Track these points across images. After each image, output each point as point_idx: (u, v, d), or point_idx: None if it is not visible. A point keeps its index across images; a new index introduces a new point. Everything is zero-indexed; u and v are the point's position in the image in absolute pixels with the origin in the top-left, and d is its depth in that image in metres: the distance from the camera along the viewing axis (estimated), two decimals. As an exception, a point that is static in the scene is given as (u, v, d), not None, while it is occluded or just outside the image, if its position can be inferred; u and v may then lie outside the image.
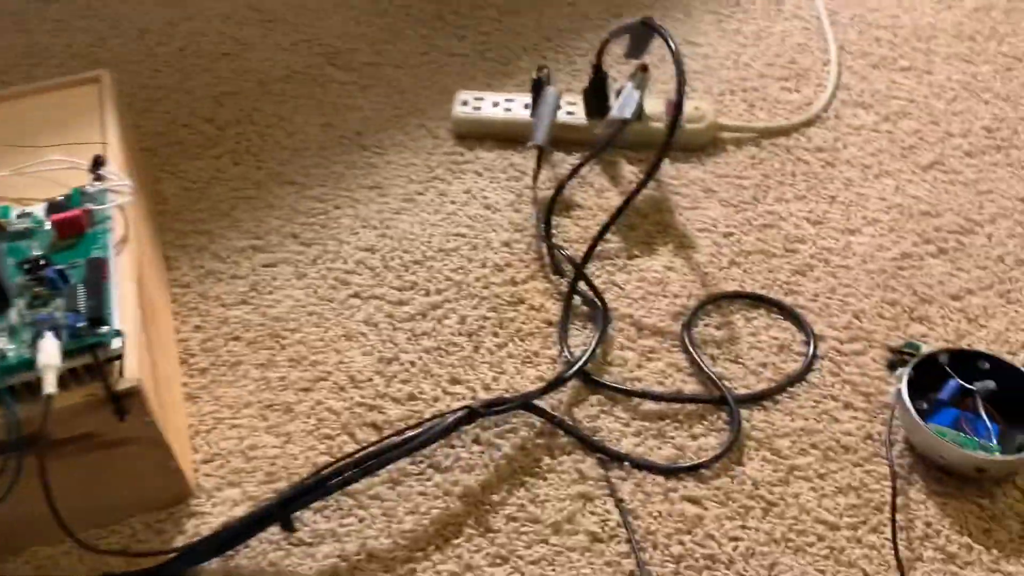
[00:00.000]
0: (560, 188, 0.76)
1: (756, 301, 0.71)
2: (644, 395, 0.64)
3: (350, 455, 0.58)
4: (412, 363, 0.67)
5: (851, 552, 0.55)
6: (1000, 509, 0.57)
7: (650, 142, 0.84)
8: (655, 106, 0.85)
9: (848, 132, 0.86)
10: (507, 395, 0.63)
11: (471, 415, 0.59)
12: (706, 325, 0.69)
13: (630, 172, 0.83)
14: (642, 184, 0.70)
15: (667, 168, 0.83)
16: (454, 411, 0.59)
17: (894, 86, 0.91)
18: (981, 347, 0.66)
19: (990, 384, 0.59)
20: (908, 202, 0.78)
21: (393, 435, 0.60)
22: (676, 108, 0.71)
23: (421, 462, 0.61)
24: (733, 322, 0.70)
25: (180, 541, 0.57)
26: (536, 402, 0.62)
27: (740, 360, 0.67)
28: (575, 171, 0.76)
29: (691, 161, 0.84)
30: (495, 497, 0.59)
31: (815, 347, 0.67)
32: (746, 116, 0.88)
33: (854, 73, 0.93)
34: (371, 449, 0.58)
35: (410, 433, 0.59)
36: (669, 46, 0.73)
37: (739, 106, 0.90)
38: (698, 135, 0.84)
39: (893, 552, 0.54)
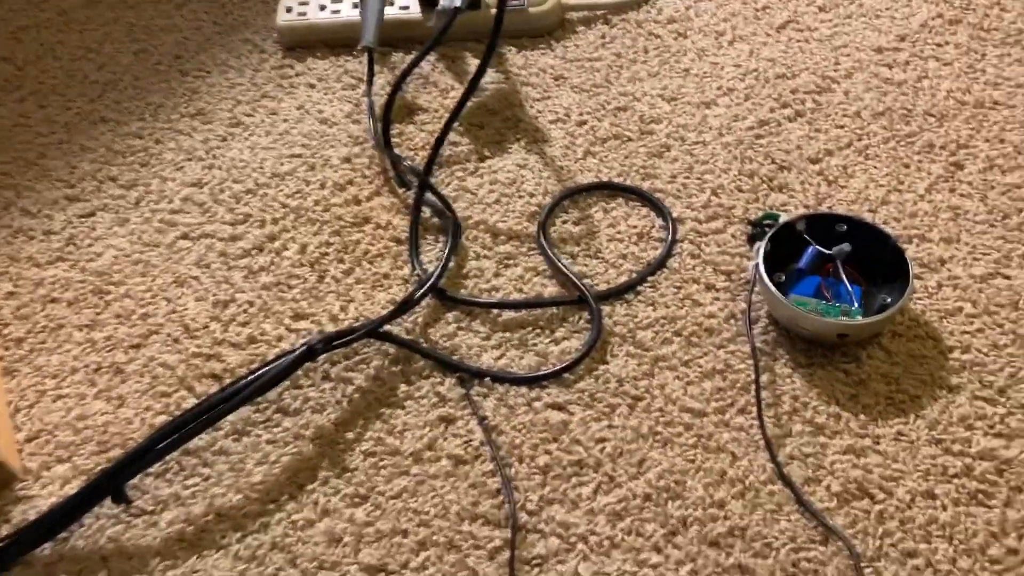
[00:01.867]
0: (394, 92, 0.70)
1: (613, 190, 0.67)
2: (501, 305, 0.60)
3: (187, 412, 0.54)
4: (250, 303, 0.62)
5: (719, 437, 0.53)
6: (866, 373, 0.56)
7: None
8: (495, -9, 0.79)
9: (700, -1, 0.82)
10: (357, 324, 0.59)
11: (310, 352, 0.54)
12: (564, 222, 0.66)
13: (477, 66, 0.77)
14: (474, 82, 0.65)
15: (515, 58, 0.78)
16: (290, 351, 0.55)
17: (745, -56, 0.86)
18: (842, 208, 0.65)
19: (846, 247, 0.57)
20: (763, 66, 0.75)
21: (233, 384, 0.55)
22: (501, 3, 0.65)
23: (267, 408, 0.56)
24: (591, 216, 0.66)
25: (5, 531, 0.52)
26: (385, 328, 0.58)
27: (600, 255, 0.63)
28: (407, 72, 0.70)
29: (539, 48, 0.78)
30: (350, 434, 0.55)
31: (674, 231, 0.64)
32: (593, -7, 0.83)
33: (703, -65, 0.88)
34: (207, 402, 0.54)
35: (247, 380, 0.54)
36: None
37: (586, -17, 0.84)
38: (543, 17, 0.78)
39: (760, 431, 0.53)
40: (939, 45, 0.75)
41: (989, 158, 0.67)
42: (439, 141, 0.65)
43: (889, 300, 0.55)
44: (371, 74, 0.74)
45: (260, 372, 0.54)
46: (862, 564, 0.48)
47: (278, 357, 0.56)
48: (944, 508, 0.50)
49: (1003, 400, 0.54)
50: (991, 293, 0.59)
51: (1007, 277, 0.60)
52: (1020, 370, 0.55)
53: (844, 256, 0.57)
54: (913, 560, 0.48)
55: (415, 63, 0.70)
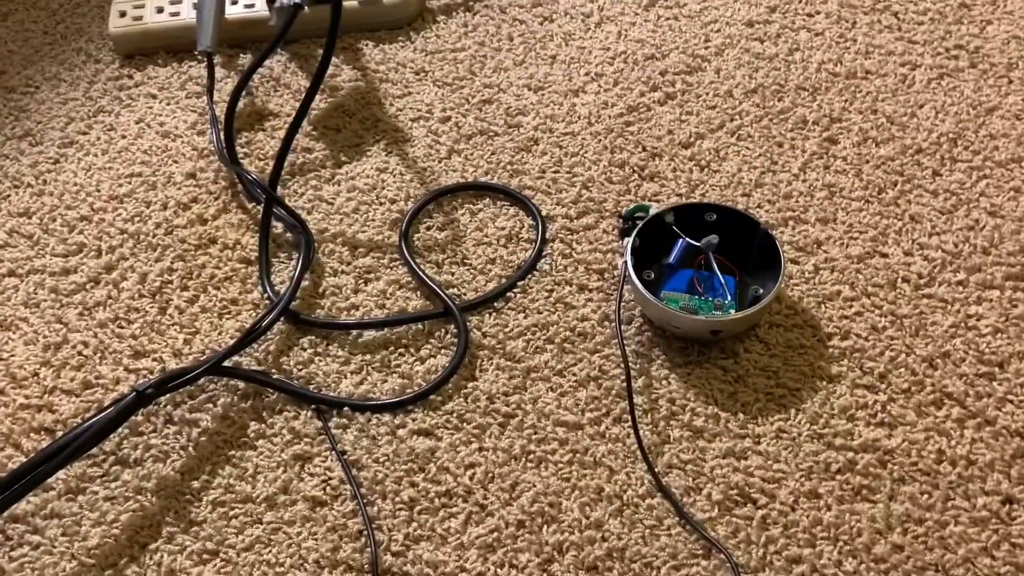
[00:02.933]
0: (234, 100, 0.64)
1: (479, 190, 0.63)
2: (360, 325, 0.56)
3: (11, 472, 0.48)
4: (85, 344, 0.56)
5: (595, 450, 0.50)
6: (744, 368, 0.53)
7: (350, 25, 0.74)
8: (347, -17, 0.73)
9: (566, -21, 0.78)
10: (202, 359, 0.54)
11: (139, 400, 0.49)
12: (428, 228, 0.62)
13: (332, 65, 0.72)
14: (313, 86, 0.60)
15: (372, 53, 0.73)
16: (118, 399, 0.50)
17: (611, -80, 0.83)
18: (715, 194, 0.62)
19: (713, 239, 0.54)
20: (632, 48, 0.72)
21: (64, 437, 0.50)
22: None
23: (104, 461, 0.51)
24: (457, 219, 0.62)
25: None
26: (233, 361, 0.53)
27: (467, 261, 0.59)
28: (247, 77, 0.64)
29: (399, 41, 0.74)
30: (196, 483, 0.50)
31: (544, 231, 0.60)
32: (455, -21, 0.78)
33: (568, -88, 0.84)
34: (34, 460, 0.48)
35: (74, 433, 0.49)
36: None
37: (447, -32, 0.79)
38: (400, 9, 0.73)
39: (636, 440, 0.50)
40: (810, 15, 0.73)
41: (863, 131, 0.65)
42: (283, 150, 0.60)
43: (761, 291, 0.53)
44: (212, 81, 0.68)
45: (87, 424, 0.49)
46: (745, 574, 0.45)
47: (113, 404, 0.51)
48: (828, 508, 0.48)
49: (884, 386, 0.52)
50: (869, 273, 0.57)
51: (884, 255, 0.58)
52: (900, 353, 0.53)
53: (713, 248, 0.54)
54: (798, 567, 0.46)
55: (254, 67, 0.64)
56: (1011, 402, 0.51)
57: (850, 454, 0.49)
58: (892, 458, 0.49)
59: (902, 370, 0.52)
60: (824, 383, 0.52)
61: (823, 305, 0.56)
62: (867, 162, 0.63)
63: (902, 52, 0.70)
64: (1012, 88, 0.66)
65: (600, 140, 0.66)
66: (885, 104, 0.66)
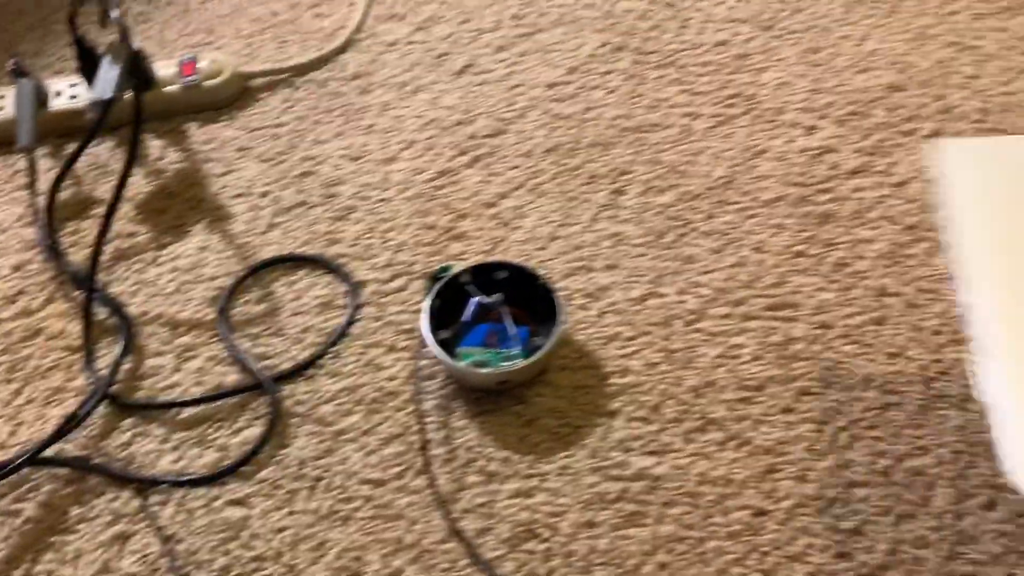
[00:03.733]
0: (54, 192, 0.67)
1: (295, 262, 0.67)
2: (177, 404, 0.59)
3: None
4: (-92, 445, 0.58)
5: (397, 504, 0.55)
6: (535, 411, 0.59)
7: (173, 109, 0.77)
8: (168, 68, 0.77)
9: (383, 51, 0.83)
10: (22, 452, 0.57)
11: (-49, 499, 0.52)
12: (246, 302, 0.65)
13: (157, 148, 0.76)
14: (125, 174, 0.63)
15: (196, 134, 0.77)
16: (-69, 500, 0.52)
17: (426, -10, 0.89)
18: (515, 248, 0.67)
19: (499, 297, 0.60)
20: (443, 114, 0.77)
21: None
22: (137, 89, 0.64)
23: (-74, 560, 0.53)
24: (273, 291, 0.66)
25: None
26: (50, 450, 0.56)
27: (283, 332, 0.64)
28: (64, 171, 0.67)
29: (221, 120, 0.78)
30: (18, 572, 0.53)
31: (356, 296, 0.65)
32: (277, 56, 0.83)
33: (386, -16, 0.89)
34: None
35: None
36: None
37: (270, 46, 0.84)
38: (220, 90, 0.78)
39: (432, 490, 0.55)
40: (604, 74, 0.80)
41: (646, 181, 0.71)
42: (100, 238, 0.63)
43: (543, 340, 0.58)
44: (33, 176, 0.71)
45: (-97, 528, 0.51)
46: (528, 606, 0.50)
47: (-66, 503, 0.53)
48: (603, 535, 0.53)
49: (656, 417, 0.58)
50: (647, 314, 0.63)
51: (661, 295, 0.64)
52: (670, 385, 0.59)
53: (498, 305, 0.60)
54: (575, 592, 0.51)
55: (71, 162, 0.67)
56: (766, 422, 0.57)
57: (624, 483, 0.55)
58: (661, 484, 0.55)
59: (671, 401, 0.58)
60: (604, 419, 0.58)
61: (606, 346, 0.62)
62: (648, 210, 0.69)
63: (685, 103, 0.77)
64: (779, 132, 0.74)
65: (412, 205, 0.71)
66: (667, 154, 0.73)
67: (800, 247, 0.66)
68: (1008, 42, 0.79)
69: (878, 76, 0.77)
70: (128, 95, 0.69)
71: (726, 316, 0.62)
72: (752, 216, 0.68)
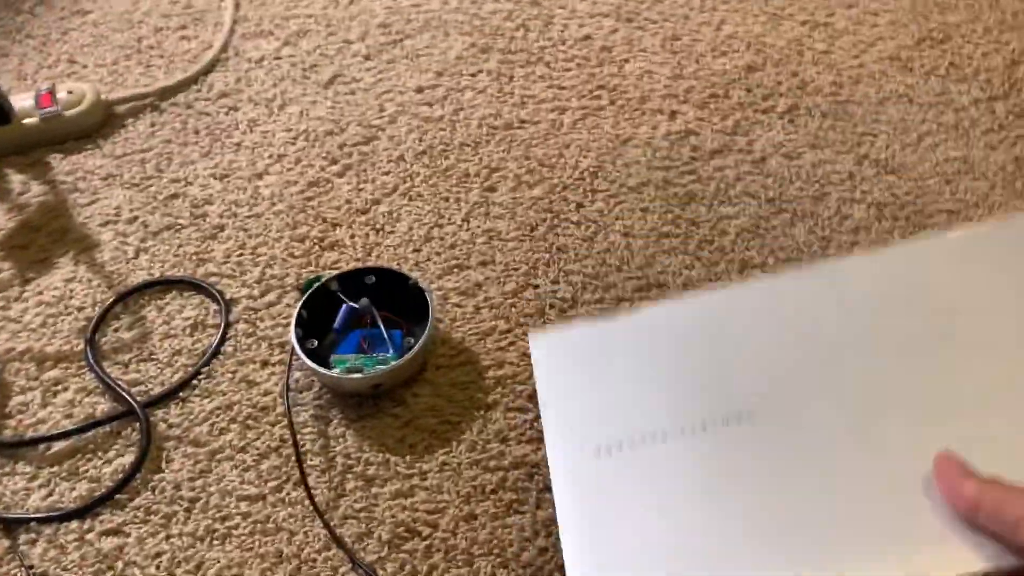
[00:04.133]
0: (-98, 237, 0.65)
1: (164, 285, 0.66)
2: (44, 439, 0.58)
3: None
4: None
5: (276, 517, 0.54)
6: (413, 412, 0.59)
7: (33, 141, 0.75)
8: (26, 100, 0.75)
9: (250, 68, 0.82)
10: None
11: None
12: (115, 330, 0.64)
13: (19, 183, 0.74)
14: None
15: (60, 165, 0.75)
16: None
17: (293, 5, 0.88)
18: (389, 253, 0.67)
19: (365, 301, 0.60)
20: (313, 126, 0.77)
21: None
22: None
23: None
24: (143, 317, 0.65)
25: None
26: (-89, 498, 0.54)
27: (154, 356, 0.62)
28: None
29: (86, 149, 0.76)
30: None
31: (227, 314, 0.64)
32: (143, 80, 0.81)
33: (252, 1, 0.89)
34: None
35: None
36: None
37: (136, 71, 0.82)
38: (83, 119, 0.76)
39: (309, 499, 0.54)
40: (473, 75, 0.81)
41: (517, 176, 0.72)
42: (-47, 281, 0.61)
43: (414, 341, 0.59)
44: None
45: None
46: (411, 605, 0.50)
47: None
48: (483, 526, 0.53)
49: (532, 406, 0.58)
50: (521, 306, 0.64)
51: (535, 287, 0.65)
52: (546, 374, 0.60)
53: (368, 310, 0.60)
54: (457, 586, 0.51)
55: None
56: (639, 400, 0.58)
57: (503, 473, 0.55)
58: (538, 470, 0.55)
59: (547, 389, 0.59)
60: (482, 412, 0.58)
61: (482, 341, 0.62)
62: (521, 204, 0.70)
63: (552, 99, 0.78)
64: (644, 119, 0.76)
65: (282, 218, 0.70)
66: (537, 149, 0.74)
67: (666, 228, 0.67)
68: (857, 17, 0.83)
69: (736, 58, 0.80)
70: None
71: (599, 300, 0.63)
72: (620, 203, 0.70)
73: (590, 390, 0.54)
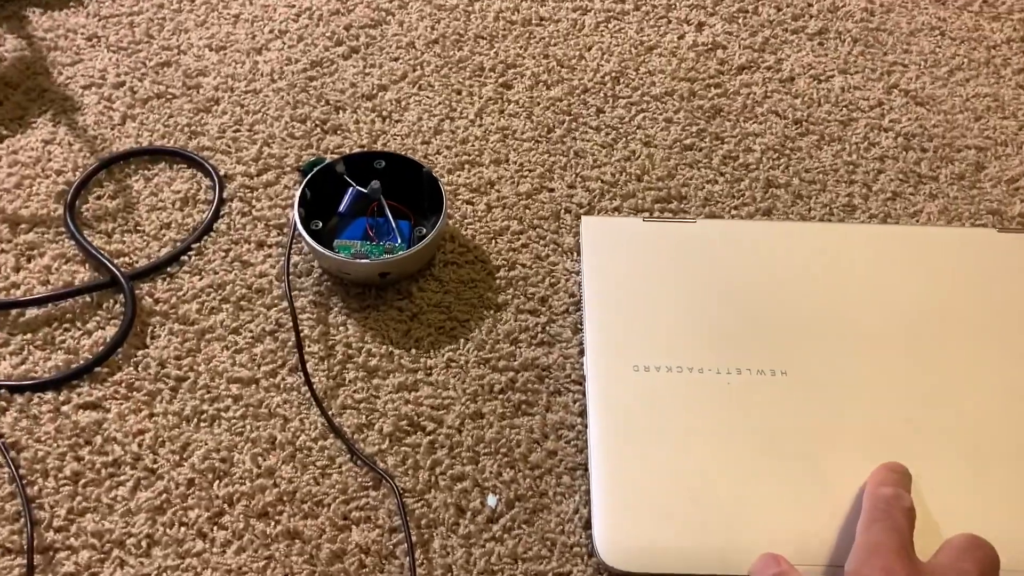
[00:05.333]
0: None
1: (153, 155, 0.62)
2: (18, 304, 0.53)
3: None
4: None
5: (270, 402, 0.51)
6: (419, 307, 0.55)
7: (10, -8, 0.69)
8: (3, -54, 0.69)
9: (251, -63, 0.76)
10: None
11: None
12: (98, 198, 0.59)
13: (-7, 34, 0.68)
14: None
15: (40, 21, 0.69)
16: None
17: None
18: (396, 142, 0.64)
19: (375, 184, 0.56)
20: (317, 3, 0.72)
21: None
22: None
23: None
24: (130, 186, 0.60)
25: None
26: None
27: (140, 228, 0.58)
28: None
29: (69, 7, 0.70)
30: None
31: (220, 190, 0.60)
32: (132, -61, 0.75)
33: None
34: None
35: None
36: None
37: (124, -72, 0.76)
38: (66, -28, 0.70)
39: (307, 385, 0.51)
40: (490, -33, 0.76)
41: (535, 75, 0.68)
42: (-79, 127, 0.56)
43: (426, 231, 0.55)
44: None
45: None
46: (412, 498, 0.48)
47: None
48: (490, 425, 0.51)
49: (544, 309, 0.56)
50: (536, 208, 0.60)
51: (551, 190, 0.61)
52: (560, 279, 0.57)
53: (379, 193, 0.56)
54: (461, 483, 0.49)
55: None
56: (656, 311, 0.56)
57: (512, 374, 0.53)
58: (549, 373, 0.53)
59: (561, 293, 0.56)
60: (491, 312, 0.55)
61: (494, 240, 0.59)
62: (538, 104, 0.66)
63: (574, -2, 0.74)
64: (670, 28, 0.72)
65: (283, 96, 0.65)
66: (556, 48, 0.70)
67: (689, 140, 0.64)
68: (891, -54, 0.80)
69: (766, -25, 0.76)
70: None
71: (616, 209, 0.61)
72: (642, 111, 0.66)
73: (635, 293, 0.54)
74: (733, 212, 0.60)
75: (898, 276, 0.56)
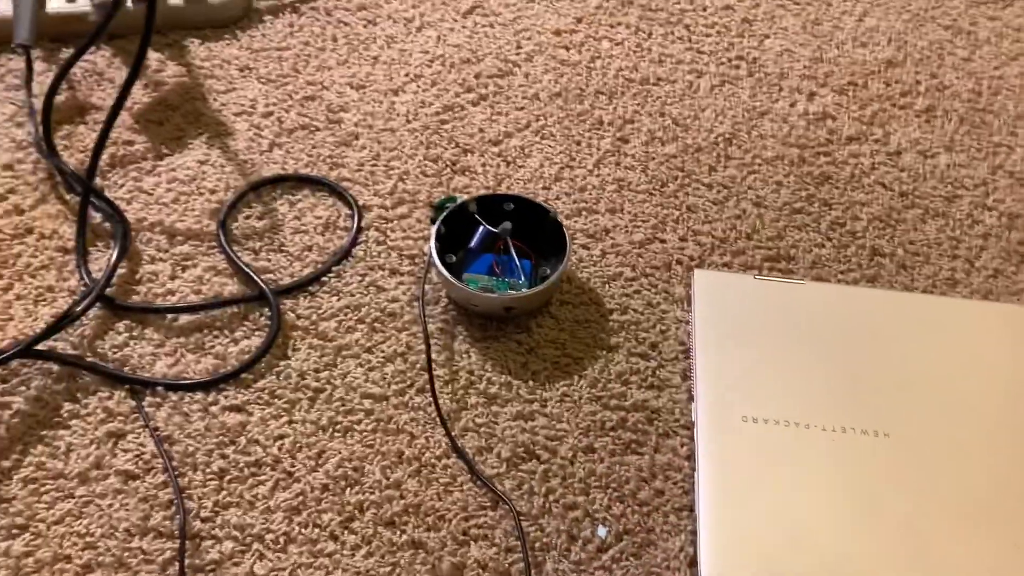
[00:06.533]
0: (52, 93, 0.65)
1: (298, 182, 0.67)
2: (175, 309, 0.58)
3: None
4: None
5: (398, 419, 0.55)
6: (536, 341, 0.59)
7: (174, 23, 0.75)
8: (172, -19, 0.75)
9: (390, -15, 0.82)
10: (15, 344, 0.55)
11: (-57, 381, 0.50)
12: (247, 218, 0.64)
13: (157, 60, 0.74)
14: (130, 79, 0.61)
15: (197, 50, 0.75)
16: (-79, 381, 0.51)
17: (436, -69, 0.88)
18: (518, 187, 0.68)
19: (507, 225, 0.60)
20: (449, 52, 0.77)
21: None
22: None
23: (-92, 446, 0.52)
24: (276, 209, 0.65)
25: None
26: (47, 345, 0.55)
27: (285, 248, 0.63)
28: (63, 72, 0.65)
29: (224, 39, 0.76)
30: (7, 462, 0.51)
31: (359, 219, 0.64)
32: (283, -19, 0.81)
33: (395, -79, 0.88)
34: None
35: None
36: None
37: (276, -30, 0.82)
38: (226, 8, 0.76)
39: (435, 406, 0.55)
40: (612, 26, 0.80)
41: (651, 131, 0.72)
42: (100, 141, 0.61)
43: (549, 272, 0.59)
44: (30, 74, 0.69)
45: None
46: (526, 522, 0.51)
47: (-82, 389, 0.52)
48: (601, 460, 0.54)
49: (655, 354, 0.59)
50: (648, 257, 0.64)
51: (663, 241, 0.65)
52: (670, 326, 0.60)
53: (508, 233, 0.60)
54: (573, 512, 0.52)
55: (73, 60, 0.65)
56: (761, 365, 0.59)
57: (623, 413, 0.56)
58: (658, 416, 0.56)
59: (671, 340, 0.59)
60: (604, 352, 0.59)
61: (607, 285, 0.62)
62: (653, 159, 0.70)
63: (690, 61, 0.78)
64: (782, 95, 0.75)
65: (416, 136, 0.70)
66: (672, 107, 0.74)
67: (799, 204, 0.67)
68: (1000, 30, 0.82)
69: (877, 51, 0.79)
70: (134, 2, 0.67)
71: (726, 264, 0.64)
72: (753, 172, 0.70)
73: (745, 347, 0.57)
74: (840, 276, 0.63)
75: (999, 351, 0.58)
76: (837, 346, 0.57)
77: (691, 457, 0.54)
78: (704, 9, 0.82)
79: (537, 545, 0.50)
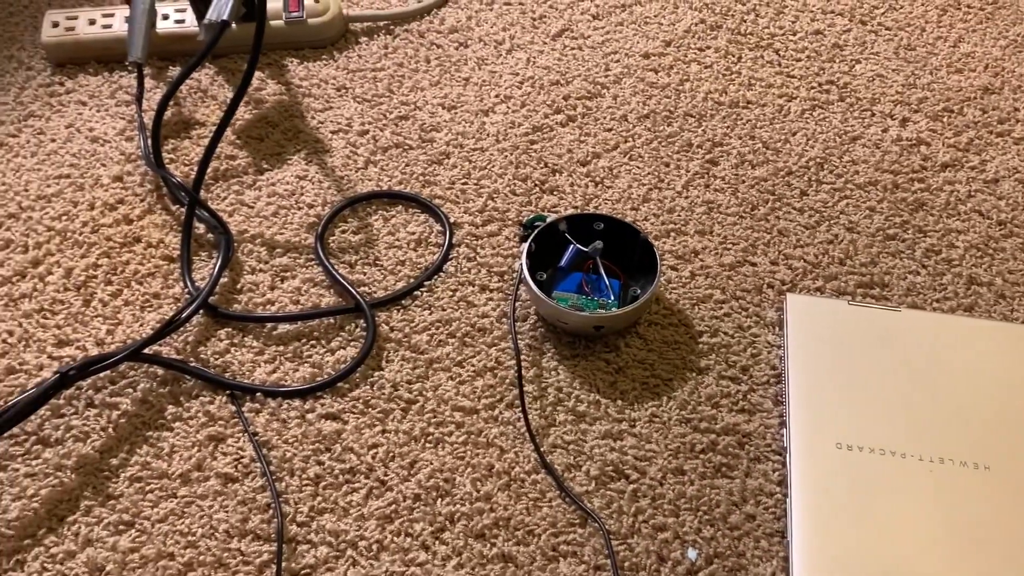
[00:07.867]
0: (162, 108, 0.68)
1: (392, 198, 0.68)
2: (275, 319, 0.60)
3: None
4: (10, 332, 0.59)
5: (489, 432, 0.56)
6: (625, 361, 0.59)
7: (274, 42, 0.78)
8: (274, 2, 0.78)
9: (481, 9, 0.84)
10: (125, 347, 0.58)
11: (62, 381, 0.53)
12: (343, 232, 0.66)
13: (258, 79, 0.77)
14: (236, 97, 0.64)
15: (296, 69, 0.78)
16: (42, 381, 0.53)
17: (525, -44, 0.90)
18: (607, 207, 0.68)
19: (598, 245, 0.60)
20: (539, 74, 0.78)
21: (-14, 418, 0.53)
22: (260, 13, 0.65)
23: (26, 440, 0.54)
24: (371, 224, 0.67)
25: None
26: (152, 349, 0.57)
27: (379, 262, 0.64)
28: (174, 88, 0.68)
29: (321, 59, 0.79)
30: (115, 461, 0.54)
31: (451, 236, 0.66)
32: (378, 3, 0.84)
33: (486, -54, 0.90)
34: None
35: (-2, 413, 0.52)
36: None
37: (371, -6, 0.85)
38: (323, 29, 0.79)
39: (525, 422, 0.55)
40: (700, 50, 0.81)
41: (740, 154, 0.72)
42: (207, 155, 0.64)
43: (640, 292, 0.59)
44: (141, 90, 0.72)
45: (11, 403, 0.52)
46: (616, 541, 0.51)
47: (29, 389, 0.54)
48: (691, 483, 0.54)
49: (745, 378, 0.58)
50: (739, 279, 0.64)
51: (753, 264, 0.65)
52: (761, 350, 0.60)
53: (599, 252, 0.60)
54: (663, 533, 0.51)
55: (182, 78, 0.68)
56: (854, 392, 0.58)
57: (713, 436, 0.55)
58: (750, 440, 0.55)
59: (763, 364, 0.59)
60: (694, 374, 0.58)
61: (696, 307, 0.62)
62: (743, 182, 0.70)
63: (780, 85, 0.77)
64: (874, 120, 0.75)
65: (506, 156, 0.71)
66: (762, 131, 0.74)
67: (893, 231, 0.66)
68: (1103, 57, 0.80)
69: (972, 77, 0.78)
70: (239, 22, 0.70)
71: (818, 289, 0.63)
72: (845, 197, 0.69)
73: (839, 373, 0.56)
74: (935, 304, 0.62)
75: None
76: (934, 375, 0.56)
77: (783, 483, 0.53)
78: (794, 34, 0.82)
79: (627, 565, 0.50)
